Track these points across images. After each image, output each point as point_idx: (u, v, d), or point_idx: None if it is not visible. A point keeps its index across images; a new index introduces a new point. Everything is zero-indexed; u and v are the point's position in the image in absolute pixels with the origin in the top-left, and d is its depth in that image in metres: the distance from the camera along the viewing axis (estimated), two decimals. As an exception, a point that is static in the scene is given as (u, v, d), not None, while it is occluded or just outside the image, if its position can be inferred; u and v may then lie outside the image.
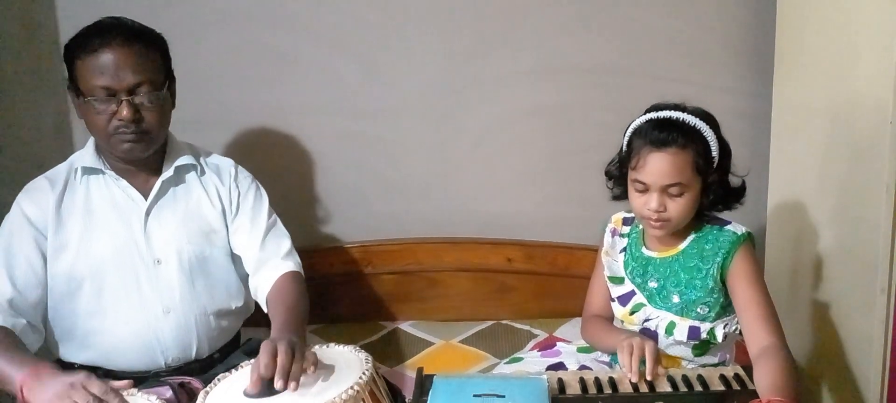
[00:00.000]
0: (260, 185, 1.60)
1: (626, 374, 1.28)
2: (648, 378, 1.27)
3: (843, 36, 1.61)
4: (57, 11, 1.91)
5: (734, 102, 1.98)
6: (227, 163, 1.58)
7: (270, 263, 1.52)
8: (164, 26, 1.47)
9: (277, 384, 1.13)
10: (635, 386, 1.28)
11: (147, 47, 1.39)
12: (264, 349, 1.17)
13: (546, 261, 2.03)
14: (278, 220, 1.59)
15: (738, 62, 1.98)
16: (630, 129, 1.37)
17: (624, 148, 1.38)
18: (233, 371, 1.30)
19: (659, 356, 1.32)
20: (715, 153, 1.33)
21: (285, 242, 1.56)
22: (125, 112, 1.35)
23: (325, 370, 1.23)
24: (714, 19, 1.95)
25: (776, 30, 1.88)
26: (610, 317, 1.53)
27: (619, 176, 1.42)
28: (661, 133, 1.31)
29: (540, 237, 2.05)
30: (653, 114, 1.35)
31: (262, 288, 1.51)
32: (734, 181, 1.40)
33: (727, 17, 1.95)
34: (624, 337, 1.34)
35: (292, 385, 1.14)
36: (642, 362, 1.30)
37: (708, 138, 1.32)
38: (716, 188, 1.36)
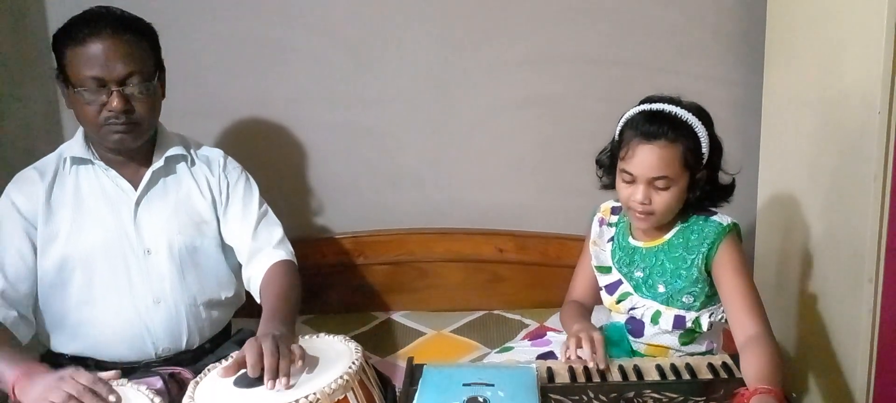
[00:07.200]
0: (249, 175, 1.60)
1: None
2: (601, 366, 1.30)
3: (833, 28, 1.61)
4: (45, 1, 1.89)
5: (725, 93, 1.98)
6: (217, 154, 1.57)
7: (263, 252, 1.52)
8: (154, 16, 1.46)
9: (268, 384, 1.13)
10: (624, 375, 1.29)
11: (137, 37, 1.38)
12: (249, 349, 1.17)
13: (538, 251, 2.04)
14: (270, 210, 1.59)
15: (730, 53, 1.98)
16: (623, 120, 1.37)
17: (616, 137, 1.39)
18: (223, 361, 1.30)
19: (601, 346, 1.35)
20: (705, 149, 1.33)
21: (277, 231, 1.56)
22: (116, 103, 1.35)
23: (314, 359, 1.23)
24: (706, 10, 1.95)
25: (767, 21, 1.89)
26: (591, 304, 1.56)
27: (609, 165, 1.43)
28: (652, 126, 1.31)
29: (531, 227, 2.05)
30: (646, 106, 1.35)
31: (255, 278, 1.51)
32: (724, 178, 1.40)
33: (719, 8, 1.95)
34: (574, 331, 1.37)
35: (283, 381, 1.14)
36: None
37: (699, 133, 1.32)
38: (703, 184, 1.36)
